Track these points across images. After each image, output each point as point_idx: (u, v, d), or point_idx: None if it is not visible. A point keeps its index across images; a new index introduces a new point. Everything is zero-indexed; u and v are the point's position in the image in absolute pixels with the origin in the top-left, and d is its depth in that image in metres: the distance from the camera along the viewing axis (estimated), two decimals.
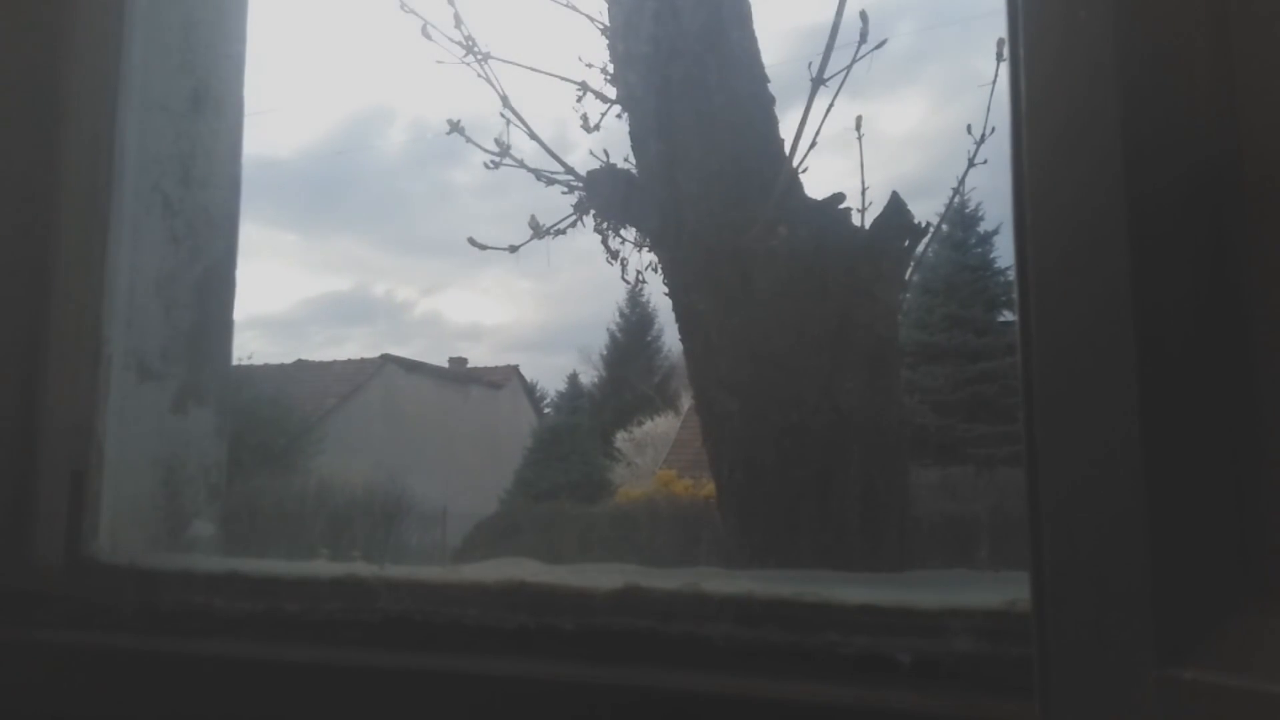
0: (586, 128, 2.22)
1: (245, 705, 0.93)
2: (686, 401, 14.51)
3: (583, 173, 2.17)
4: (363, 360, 20.20)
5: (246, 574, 0.99)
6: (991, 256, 15.53)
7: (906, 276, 1.95)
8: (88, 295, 1.08)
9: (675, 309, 2.08)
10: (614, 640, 0.82)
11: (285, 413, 14.98)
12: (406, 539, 12.94)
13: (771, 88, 2.01)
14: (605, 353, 23.91)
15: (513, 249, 2.29)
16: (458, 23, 2.22)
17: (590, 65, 2.22)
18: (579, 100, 2.23)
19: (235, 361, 1.26)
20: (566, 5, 2.23)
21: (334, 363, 20.23)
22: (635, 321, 24.02)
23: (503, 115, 2.21)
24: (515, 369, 23.26)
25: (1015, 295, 0.58)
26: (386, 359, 20.14)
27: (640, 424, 17.76)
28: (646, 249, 2.17)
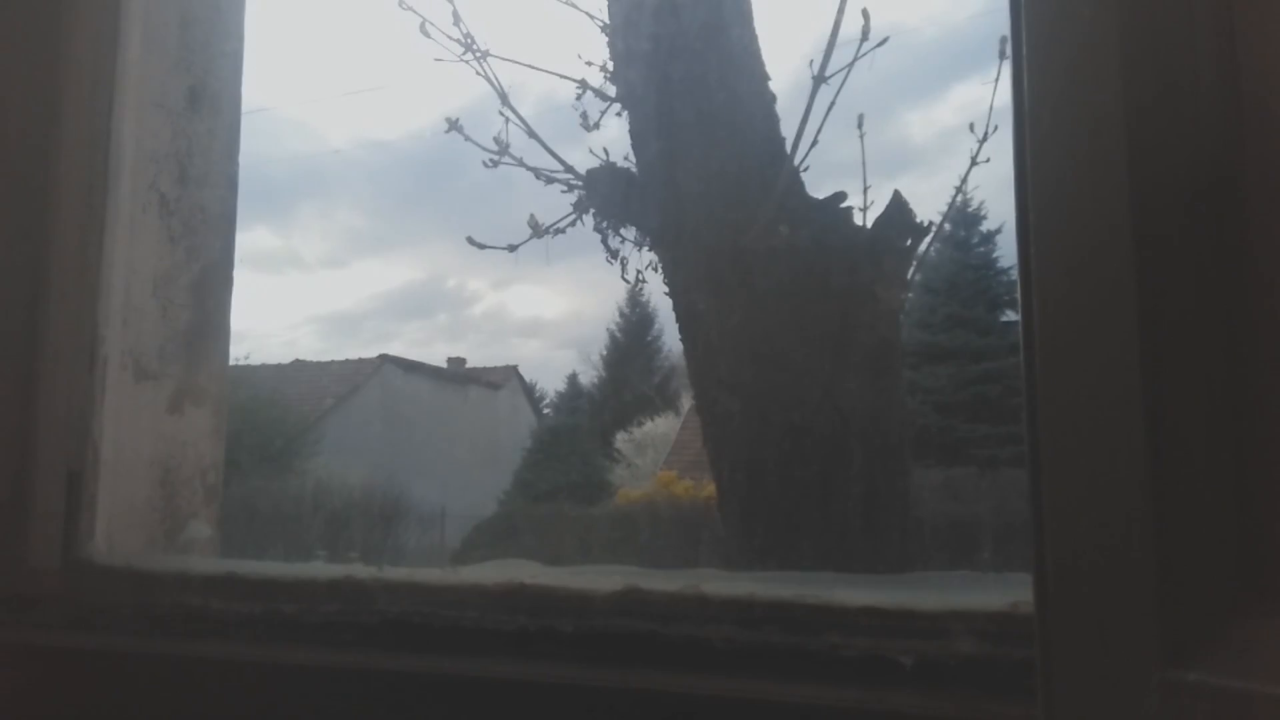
0: (586, 126, 2.22)
1: (243, 707, 0.92)
2: (686, 401, 14.51)
3: (582, 171, 2.17)
4: (360, 360, 20.21)
5: (243, 576, 0.98)
6: (994, 256, 15.54)
7: (909, 276, 1.95)
8: (84, 295, 1.07)
9: (675, 309, 2.08)
10: (614, 642, 0.82)
11: (282, 413, 14.98)
12: (405, 540, 12.94)
13: (772, 85, 2.00)
14: (605, 353, 23.91)
15: (512, 248, 2.29)
16: (456, 20, 2.22)
17: (590, 63, 2.22)
18: (578, 98, 2.23)
19: (232, 361, 1.25)
20: (566, 2, 2.22)
21: (331, 363, 20.24)
22: (635, 321, 24.01)
23: (501, 113, 2.21)
24: (514, 369, 23.27)
25: (1018, 295, 0.57)
26: (385, 359, 20.15)
27: (640, 424, 17.75)
28: (646, 249, 2.17)
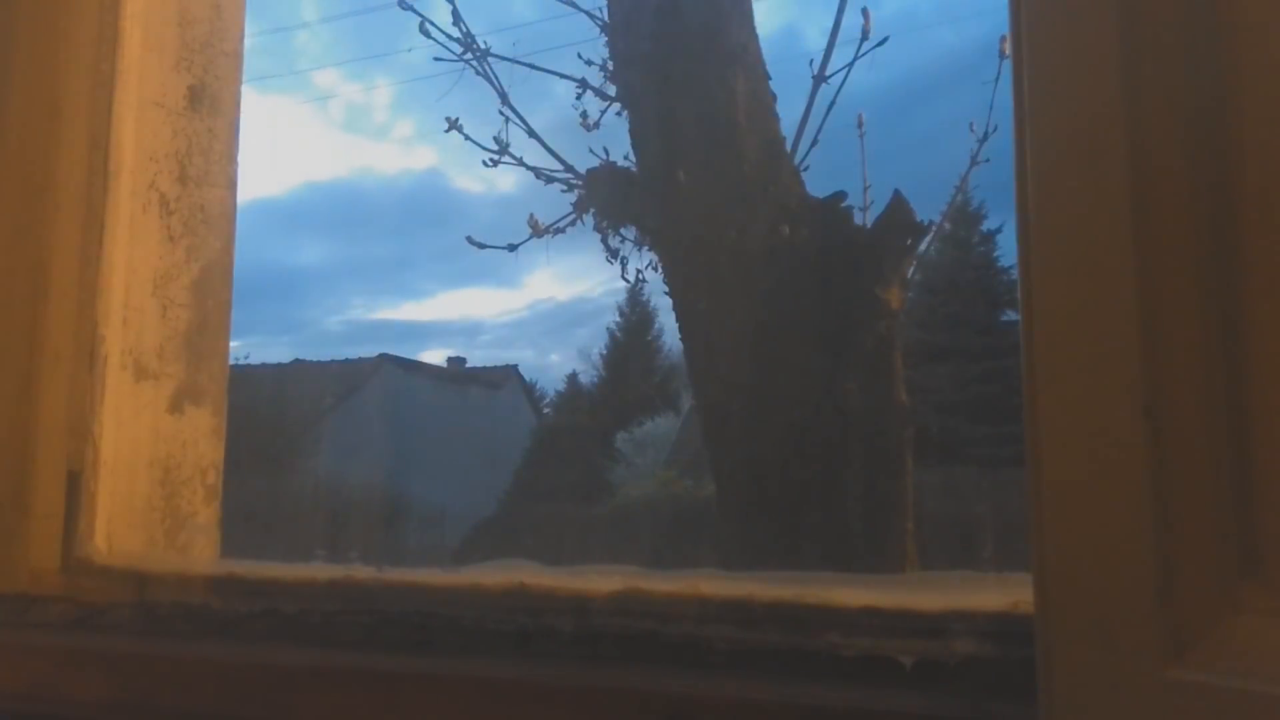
0: (586, 125, 2.22)
1: (243, 707, 0.92)
2: (686, 401, 14.51)
3: (582, 171, 2.17)
4: (360, 360, 20.18)
5: (243, 575, 0.98)
6: (995, 255, 15.50)
7: (908, 275, 1.95)
8: (83, 294, 1.07)
9: (675, 309, 2.08)
10: (613, 643, 0.82)
11: (282, 413, 14.95)
12: (405, 540, 12.93)
13: (772, 85, 2.00)
14: (605, 353, 23.85)
15: (511, 248, 2.29)
16: (456, 19, 2.22)
17: (590, 63, 2.22)
18: (579, 98, 2.23)
19: (232, 361, 1.25)
20: (566, 2, 2.22)
21: (331, 363, 20.18)
22: (635, 321, 23.95)
23: (501, 113, 2.21)
24: (514, 369, 23.23)
25: (1018, 295, 0.57)
26: (384, 359, 20.13)
27: (640, 424, 17.73)
28: (646, 248, 2.17)
